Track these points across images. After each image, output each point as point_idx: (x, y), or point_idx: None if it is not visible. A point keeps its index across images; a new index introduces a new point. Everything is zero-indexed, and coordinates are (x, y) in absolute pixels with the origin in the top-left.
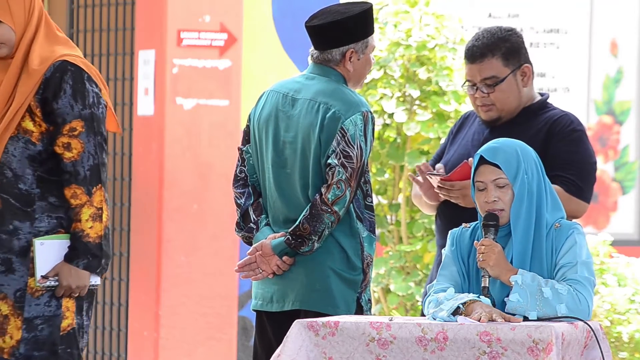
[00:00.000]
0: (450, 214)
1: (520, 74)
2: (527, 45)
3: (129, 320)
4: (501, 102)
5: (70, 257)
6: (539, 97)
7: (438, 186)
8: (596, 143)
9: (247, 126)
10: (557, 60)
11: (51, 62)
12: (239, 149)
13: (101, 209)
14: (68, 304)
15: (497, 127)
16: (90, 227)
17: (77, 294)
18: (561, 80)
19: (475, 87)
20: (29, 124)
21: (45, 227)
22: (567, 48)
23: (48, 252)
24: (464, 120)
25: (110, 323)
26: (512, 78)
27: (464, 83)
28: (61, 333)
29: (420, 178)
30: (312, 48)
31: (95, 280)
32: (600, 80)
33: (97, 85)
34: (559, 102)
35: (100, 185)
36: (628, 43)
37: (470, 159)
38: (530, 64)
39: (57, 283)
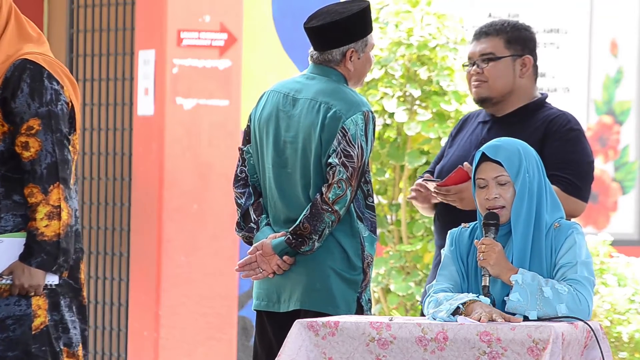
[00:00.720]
0: (449, 216)
1: (520, 63)
2: None
3: (129, 320)
4: (493, 79)
5: (24, 256)
6: (539, 97)
7: (434, 191)
8: (596, 143)
9: (248, 126)
10: (557, 60)
11: (12, 61)
12: (240, 149)
13: (59, 207)
14: (39, 302)
15: (494, 126)
16: (46, 226)
17: (32, 293)
18: (561, 80)
19: (473, 64)
20: None
21: (10, 225)
22: (567, 48)
23: (7, 250)
24: (463, 123)
25: (110, 323)
26: (509, 61)
27: (465, 64)
28: (33, 332)
29: (416, 194)
30: (312, 49)
31: (53, 279)
32: (600, 80)
33: (58, 83)
34: (559, 102)
35: (58, 183)
36: (628, 43)
37: (466, 163)
38: (535, 60)
39: (12, 282)
